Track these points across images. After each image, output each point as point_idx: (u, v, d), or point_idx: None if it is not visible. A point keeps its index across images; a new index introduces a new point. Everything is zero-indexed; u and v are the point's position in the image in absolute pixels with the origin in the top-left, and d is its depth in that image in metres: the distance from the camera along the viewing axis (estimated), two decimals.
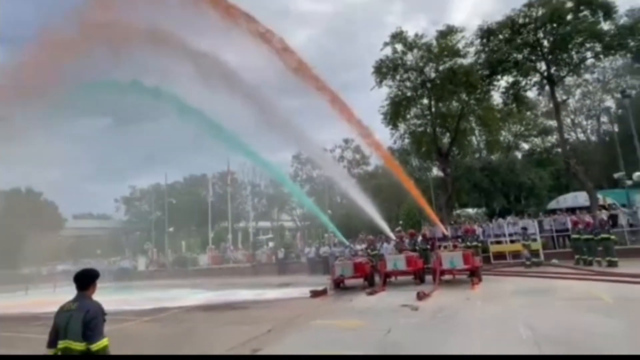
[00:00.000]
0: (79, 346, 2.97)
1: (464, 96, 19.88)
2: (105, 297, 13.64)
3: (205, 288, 17.24)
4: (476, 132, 24.24)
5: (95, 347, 2.95)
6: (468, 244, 14.13)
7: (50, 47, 21.70)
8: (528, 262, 14.41)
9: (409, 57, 20.01)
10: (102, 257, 37.43)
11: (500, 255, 16.45)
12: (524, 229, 15.81)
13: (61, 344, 3.02)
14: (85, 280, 3.34)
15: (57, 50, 20.59)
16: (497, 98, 21.00)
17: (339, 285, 13.13)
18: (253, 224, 49.02)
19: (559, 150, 27.03)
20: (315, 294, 11.89)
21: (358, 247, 17.39)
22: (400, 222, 26.13)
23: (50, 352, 3.12)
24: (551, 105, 23.11)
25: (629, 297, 8.11)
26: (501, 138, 31.66)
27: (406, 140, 24.20)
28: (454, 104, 20.92)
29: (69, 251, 41.10)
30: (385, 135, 23.41)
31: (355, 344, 6.20)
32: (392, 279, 13.14)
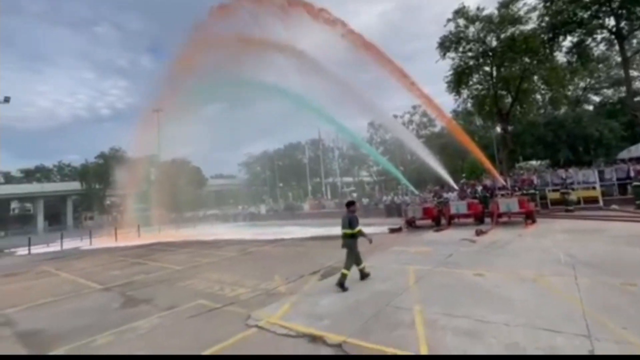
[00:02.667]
0: (349, 231, 6.02)
1: (525, 60, 17.79)
2: (245, 230, 16.92)
3: (309, 226, 19.55)
4: (541, 90, 21.47)
5: (357, 230, 6.01)
6: (524, 192, 13.61)
7: (195, 48, 24.72)
8: (570, 208, 13.39)
9: (471, 30, 18.36)
10: (234, 205, 43.29)
11: (558, 202, 15.37)
12: (563, 179, 14.43)
13: (342, 231, 6.11)
14: (350, 204, 6.37)
15: (199, 51, 23.52)
16: (560, 58, 18.32)
17: (411, 225, 13.88)
18: (339, 179, 51.20)
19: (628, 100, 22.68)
20: (392, 230, 12.95)
21: (427, 195, 17.73)
22: (464, 174, 25.17)
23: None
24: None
25: None
26: (568, 93, 27.43)
27: (469, 104, 22.68)
28: (516, 67, 18.84)
29: (212, 201, 48.34)
30: (449, 99, 22.35)
31: (425, 261, 7.20)
32: (455, 220, 13.45)
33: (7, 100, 22.79)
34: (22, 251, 18.61)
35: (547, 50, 17.34)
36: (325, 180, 45.30)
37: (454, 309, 4.24)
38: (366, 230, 15.46)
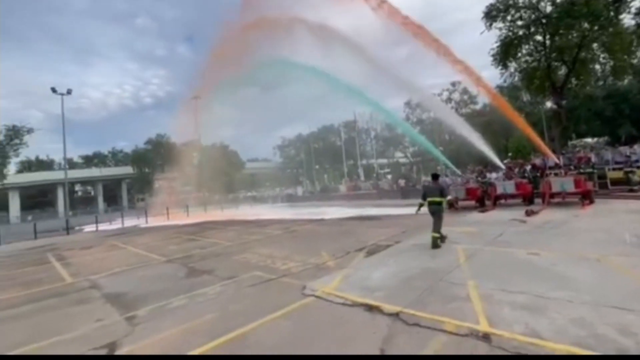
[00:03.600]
0: (438, 199, 6.88)
1: (585, 25, 15.95)
2: (285, 210, 17.52)
3: (347, 207, 19.79)
4: (600, 59, 19.27)
5: (447, 199, 7.12)
6: (581, 170, 12.62)
7: (229, 35, 25.19)
8: (635, 188, 12.19)
9: None
10: (270, 187, 44.67)
11: (620, 182, 14.08)
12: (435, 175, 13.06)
13: (429, 199, 6.98)
14: (436, 177, 7.43)
15: (233, 38, 23.99)
16: (627, 21, 16.19)
17: (452, 206, 13.39)
18: (375, 161, 50.56)
19: None
20: None
21: (469, 175, 17.08)
22: (510, 154, 23.76)
23: (423, 202, 7.16)
24: None
25: None
26: (634, 61, 24.39)
27: (516, 78, 21.02)
28: (573, 35, 16.97)
29: (249, 183, 50.20)
30: (493, 74, 20.79)
31: (473, 240, 7.06)
32: (502, 201, 12.91)
33: (69, 92, 24.92)
34: (89, 228, 20.83)
35: (612, 13, 15.40)
36: (360, 162, 44.96)
37: (509, 285, 4.19)
38: (406, 210, 15.35)
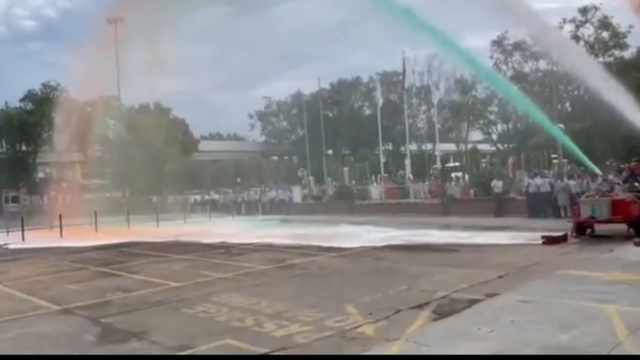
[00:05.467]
0: None
1: None
2: (274, 229, 17.52)
3: (385, 226, 19.61)
4: None
5: None
6: None
7: None
8: None
9: None
10: (244, 185, 44.18)
11: None
12: None
13: None
14: None
15: None
16: None
17: (585, 232, 13.55)
18: (431, 147, 50.20)
19: None
20: (550, 240, 12.58)
21: (614, 178, 16.80)
22: None
23: None
24: None
25: None
26: None
27: None
28: None
29: (206, 177, 49.64)
30: None
31: (636, 296, 6.78)
32: None
33: None
34: None
35: None
36: (409, 146, 44.35)
37: None
38: (497, 237, 15.12)
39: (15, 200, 50.99)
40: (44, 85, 52.52)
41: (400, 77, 43.78)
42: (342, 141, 55.62)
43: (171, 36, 37.84)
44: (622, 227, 13.20)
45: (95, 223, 24.43)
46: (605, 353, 4.88)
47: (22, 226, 23.07)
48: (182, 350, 5.57)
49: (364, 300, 7.53)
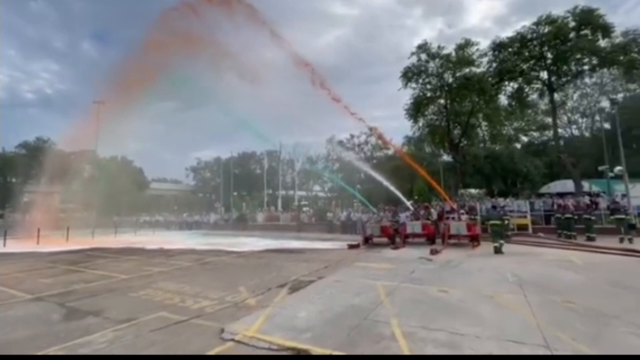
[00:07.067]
0: (499, 222, 11.23)
1: (474, 98, 20.05)
2: (196, 239, 16.25)
3: (265, 238, 19.17)
4: (482, 126, 24.18)
5: (505, 222, 12.05)
6: (472, 217, 14.97)
7: (148, 49, 23.64)
8: (508, 233, 15.01)
9: (431, 65, 20.29)
10: (178, 212, 40.64)
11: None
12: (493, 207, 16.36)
13: (492, 222, 11.26)
14: (494, 207, 11.63)
15: (152, 51, 22.48)
16: (503, 100, 21.00)
17: (367, 242, 14.27)
18: (295, 193, 51.01)
19: (554, 143, 26.74)
20: (351, 246, 13.26)
21: (382, 214, 18.52)
22: (416, 197, 26.90)
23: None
24: (550, 106, 22.81)
25: (594, 262, 8.92)
26: (504, 132, 31.27)
27: (424, 131, 24.61)
28: (466, 104, 21.07)
29: (153, 206, 44.87)
30: (404, 124, 24.07)
31: (390, 277, 7.49)
32: (410, 239, 14.21)
33: None
34: None
35: (494, 92, 19.75)
36: (277, 192, 44.80)
37: (428, 322, 4.49)
38: (326, 245, 15.52)
39: (1, 217, 40.38)
40: (37, 139, 43.71)
41: (278, 153, 44.56)
42: (243, 187, 54.02)
43: (138, 116, 34.26)
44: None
45: (67, 234, 20.23)
46: (374, 307, 5.32)
47: (5, 235, 18.23)
48: (128, 322, 4.85)
49: (250, 283, 7.26)
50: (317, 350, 3.70)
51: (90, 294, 6.65)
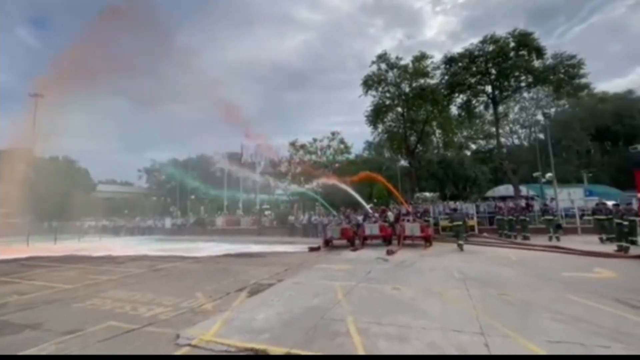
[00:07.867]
0: (461, 223, 12.95)
1: (429, 107, 21.42)
2: (149, 245, 15.44)
3: (224, 243, 18.61)
4: (436, 134, 25.88)
5: (467, 222, 14.65)
6: (426, 219, 15.88)
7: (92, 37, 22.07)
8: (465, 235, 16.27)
9: (390, 75, 21.35)
10: (129, 216, 38.12)
11: (448, 228, 18.28)
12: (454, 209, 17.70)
13: (455, 223, 12.98)
14: (455, 210, 14.11)
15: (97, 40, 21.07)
16: (454, 110, 22.66)
17: (328, 245, 14.44)
18: (254, 196, 50.17)
19: (497, 151, 29.27)
20: (312, 249, 13.39)
21: (343, 217, 18.93)
22: (375, 200, 27.86)
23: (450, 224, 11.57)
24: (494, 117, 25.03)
25: (527, 258, 9.97)
26: (455, 139, 33.62)
27: (383, 137, 25.65)
28: (421, 112, 22.41)
29: (101, 210, 41.49)
30: (365, 130, 24.87)
31: (348, 277, 7.76)
32: (368, 241, 14.65)
33: None
34: None
35: (446, 103, 21.26)
36: (241, 195, 43.88)
37: (381, 318, 4.78)
38: (287, 248, 15.49)
39: None
40: None
41: (240, 156, 43.71)
42: (201, 189, 52.10)
43: (82, 112, 31.49)
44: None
45: None
46: (331, 306, 5.52)
47: None
48: (73, 334, 4.57)
49: (208, 288, 7.11)
50: (274, 350, 3.80)
51: (26, 306, 6.10)
